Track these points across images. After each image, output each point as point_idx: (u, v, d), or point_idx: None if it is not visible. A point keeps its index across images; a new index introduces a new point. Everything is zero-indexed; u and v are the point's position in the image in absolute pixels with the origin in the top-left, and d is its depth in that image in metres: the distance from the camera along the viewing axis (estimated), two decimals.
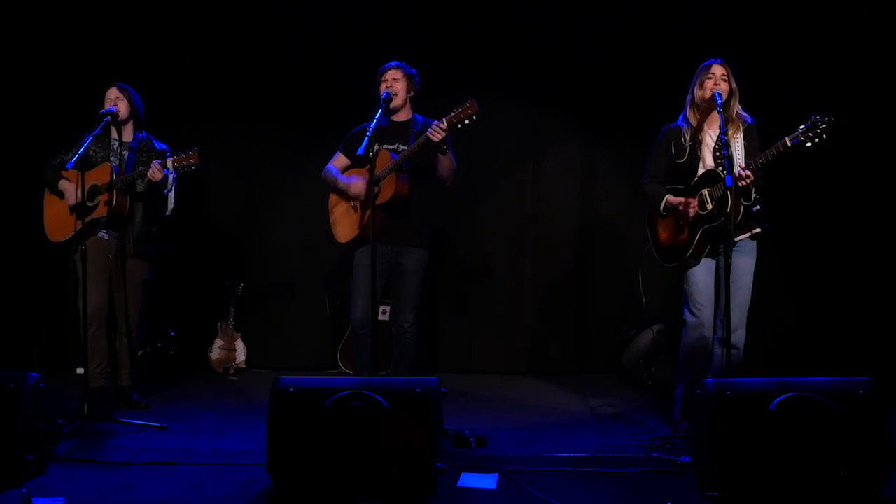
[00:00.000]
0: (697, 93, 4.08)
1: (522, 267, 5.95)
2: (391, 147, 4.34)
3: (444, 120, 4.03)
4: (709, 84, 4.01)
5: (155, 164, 4.38)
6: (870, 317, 5.36)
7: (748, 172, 3.82)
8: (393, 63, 4.40)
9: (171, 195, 4.43)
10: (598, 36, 5.77)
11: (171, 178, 4.39)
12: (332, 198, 4.54)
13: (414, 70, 4.43)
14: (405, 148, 4.29)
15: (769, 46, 5.45)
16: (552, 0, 5.78)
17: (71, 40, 5.76)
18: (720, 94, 3.94)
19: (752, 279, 4.07)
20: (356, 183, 4.37)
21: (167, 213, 4.45)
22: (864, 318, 5.37)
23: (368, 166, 4.09)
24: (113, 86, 4.64)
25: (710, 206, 3.96)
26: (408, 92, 4.41)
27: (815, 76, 5.43)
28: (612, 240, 5.86)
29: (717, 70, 4.03)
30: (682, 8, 5.60)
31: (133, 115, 4.67)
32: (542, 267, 5.93)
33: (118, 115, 4.57)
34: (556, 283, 5.93)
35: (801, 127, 3.69)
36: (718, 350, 4.10)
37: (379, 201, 4.13)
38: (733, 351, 3.92)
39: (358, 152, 3.94)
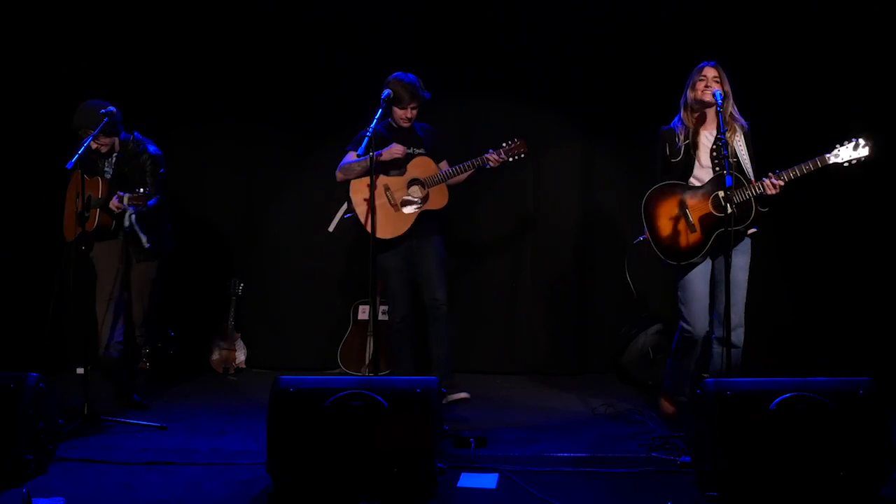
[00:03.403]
0: (690, 95, 4.13)
1: (522, 267, 5.95)
2: (418, 151, 4.56)
3: (500, 151, 4.46)
4: (700, 86, 4.06)
5: (115, 198, 4.26)
6: (870, 317, 5.36)
7: (780, 183, 3.87)
8: (417, 95, 4.45)
9: (139, 232, 4.38)
10: (598, 36, 5.77)
11: (127, 213, 4.32)
12: (359, 193, 4.48)
13: (429, 94, 4.54)
14: (421, 151, 4.55)
15: (768, 47, 5.45)
16: (552, 0, 5.78)
17: (71, 40, 5.75)
18: (720, 94, 3.95)
19: (747, 276, 4.09)
20: (395, 147, 4.46)
21: (146, 247, 4.43)
22: (864, 318, 5.37)
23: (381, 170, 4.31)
24: (85, 127, 4.32)
25: (729, 209, 3.95)
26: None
27: (815, 76, 5.43)
28: (611, 239, 5.85)
29: (709, 72, 4.07)
30: (681, 8, 5.60)
31: (115, 131, 4.50)
32: (542, 267, 5.92)
33: (115, 116, 4.43)
34: (556, 282, 5.92)
35: (842, 146, 3.78)
36: (718, 349, 4.11)
37: (431, 207, 4.50)
38: (733, 350, 3.93)
39: (358, 152, 3.98)
